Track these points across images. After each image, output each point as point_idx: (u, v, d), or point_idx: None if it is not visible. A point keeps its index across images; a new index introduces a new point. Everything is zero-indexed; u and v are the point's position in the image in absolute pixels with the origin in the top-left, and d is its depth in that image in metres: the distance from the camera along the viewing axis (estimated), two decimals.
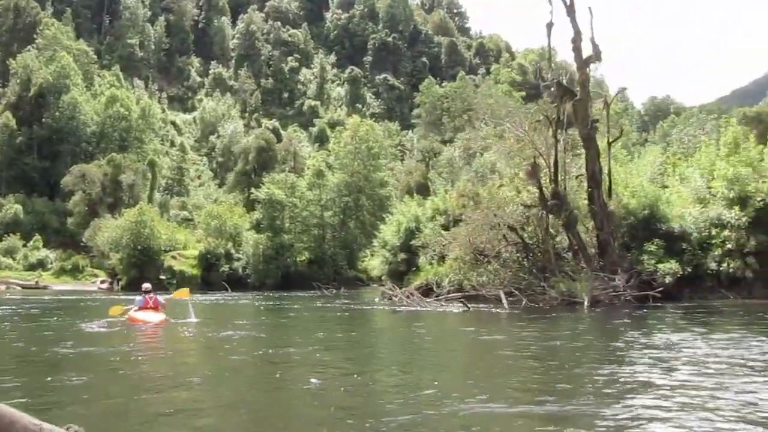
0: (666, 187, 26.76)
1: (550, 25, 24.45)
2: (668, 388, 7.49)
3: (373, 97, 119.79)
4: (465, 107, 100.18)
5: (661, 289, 21.63)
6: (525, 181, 25.28)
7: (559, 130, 23.57)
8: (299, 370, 9.60)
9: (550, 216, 24.24)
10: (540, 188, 23.89)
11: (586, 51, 23.53)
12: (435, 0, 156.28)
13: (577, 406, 6.62)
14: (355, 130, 54.72)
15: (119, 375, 9.25)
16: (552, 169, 23.88)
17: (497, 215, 24.67)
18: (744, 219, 22.63)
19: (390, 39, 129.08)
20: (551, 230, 25.13)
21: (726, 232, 23.11)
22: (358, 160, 52.88)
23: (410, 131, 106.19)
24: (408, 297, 26.71)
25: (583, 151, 24.43)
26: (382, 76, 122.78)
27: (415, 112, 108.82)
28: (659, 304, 21.41)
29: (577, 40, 23.60)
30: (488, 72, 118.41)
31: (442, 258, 30.30)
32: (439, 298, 25.75)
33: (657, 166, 32.54)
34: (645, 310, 19.96)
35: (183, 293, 20.85)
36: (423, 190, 63.29)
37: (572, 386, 7.90)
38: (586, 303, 21.35)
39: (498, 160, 27.31)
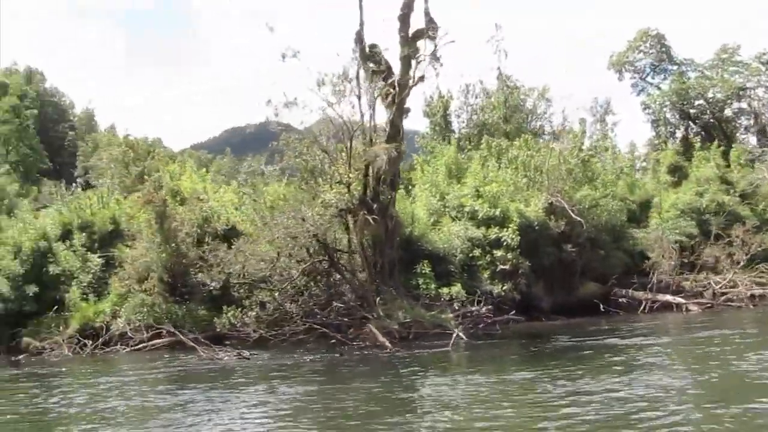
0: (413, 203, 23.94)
1: None
2: None
3: None
4: None
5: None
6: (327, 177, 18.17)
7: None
8: None
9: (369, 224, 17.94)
10: (365, 185, 17.48)
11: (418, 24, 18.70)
12: None
13: None
14: None
15: None
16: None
17: (295, 223, 16.76)
18: (517, 239, 22.00)
19: None
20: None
21: (500, 253, 21.93)
22: None
23: None
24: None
25: None
26: None
27: None
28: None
29: (408, 10, 18.56)
30: None
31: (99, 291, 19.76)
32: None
33: None
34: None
35: None
36: None
37: None
38: (456, 335, 16.49)
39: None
